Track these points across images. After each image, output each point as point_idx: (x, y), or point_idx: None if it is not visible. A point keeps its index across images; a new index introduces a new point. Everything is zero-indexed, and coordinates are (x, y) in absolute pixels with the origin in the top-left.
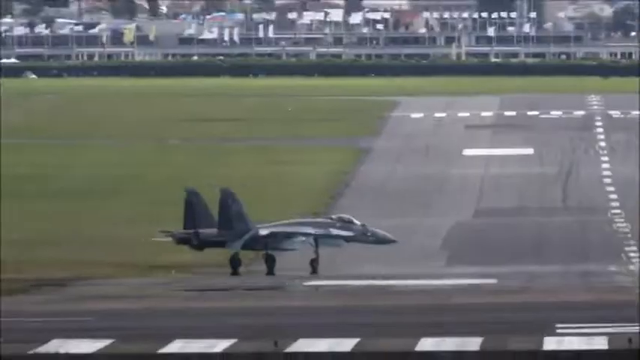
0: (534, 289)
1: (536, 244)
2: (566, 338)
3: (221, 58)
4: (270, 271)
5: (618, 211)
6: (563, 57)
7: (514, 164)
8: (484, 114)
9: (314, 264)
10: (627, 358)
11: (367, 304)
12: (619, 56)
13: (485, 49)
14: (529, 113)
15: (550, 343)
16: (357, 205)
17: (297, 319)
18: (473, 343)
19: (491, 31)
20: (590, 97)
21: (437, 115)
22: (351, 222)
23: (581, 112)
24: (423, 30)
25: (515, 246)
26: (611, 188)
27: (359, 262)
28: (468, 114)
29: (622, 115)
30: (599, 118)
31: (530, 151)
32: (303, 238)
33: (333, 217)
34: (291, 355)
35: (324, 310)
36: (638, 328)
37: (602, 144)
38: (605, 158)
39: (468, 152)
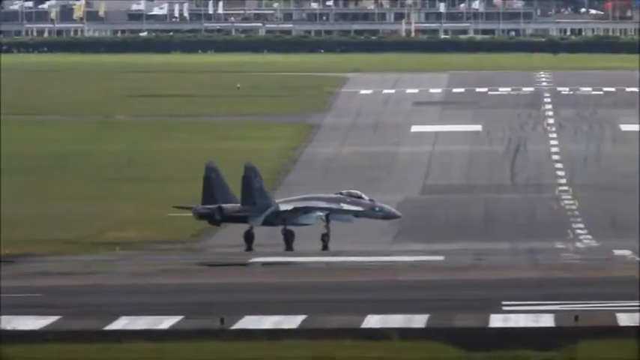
0: (481, 267)
1: (483, 221)
2: (513, 315)
3: (170, 34)
4: (289, 247)
5: (566, 188)
6: (513, 34)
7: (462, 141)
8: (433, 90)
9: (325, 239)
10: (574, 335)
11: (313, 281)
12: (569, 32)
13: (434, 25)
14: (478, 90)
15: (496, 321)
16: (305, 182)
17: (242, 296)
18: (419, 320)
19: (440, 8)
20: (539, 73)
21: (386, 91)
22: (360, 197)
23: (530, 89)
24: (372, 6)
25: (463, 223)
26: (559, 165)
27: (306, 239)
28: (416, 90)
29: (571, 92)
30: (548, 95)
31: (478, 127)
32: (320, 213)
33: (343, 192)
34: (237, 331)
35: (270, 286)
36: (583, 305)
37: (551, 121)
38: (554, 135)
39: (416, 129)
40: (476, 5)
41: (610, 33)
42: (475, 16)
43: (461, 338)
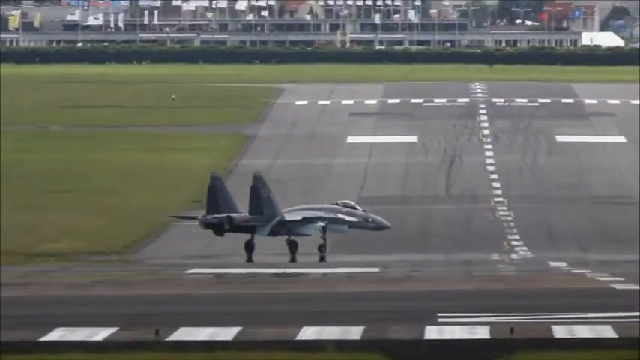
0: (416, 278)
1: (419, 232)
2: (448, 327)
3: (106, 44)
4: (293, 258)
5: (501, 199)
6: (448, 45)
7: (398, 152)
8: (368, 101)
9: (322, 249)
10: (509, 347)
11: (249, 292)
12: (504, 44)
13: (369, 36)
14: (413, 101)
15: (432, 332)
16: (240, 193)
17: (178, 307)
18: (354, 332)
19: (376, 19)
20: (474, 84)
21: (321, 102)
22: (355, 208)
23: (466, 100)
24: (307, 17)
25: (399, 234)
26: (494, 176)
27: (238, 249)
28: (352, 101)
29: (506, 103)
30: (483, 106)
31: (414, 138)
32: (322, 224)
33: (339, 202)
34: (171, 343)
35: (205, 298)
36: (519, 317)
37: (486, 132)
38: (489, 146)
39: (351, 140)
40: (411, 16)
41: (546, 44)
42: (410, 27)
43: (396, 350)
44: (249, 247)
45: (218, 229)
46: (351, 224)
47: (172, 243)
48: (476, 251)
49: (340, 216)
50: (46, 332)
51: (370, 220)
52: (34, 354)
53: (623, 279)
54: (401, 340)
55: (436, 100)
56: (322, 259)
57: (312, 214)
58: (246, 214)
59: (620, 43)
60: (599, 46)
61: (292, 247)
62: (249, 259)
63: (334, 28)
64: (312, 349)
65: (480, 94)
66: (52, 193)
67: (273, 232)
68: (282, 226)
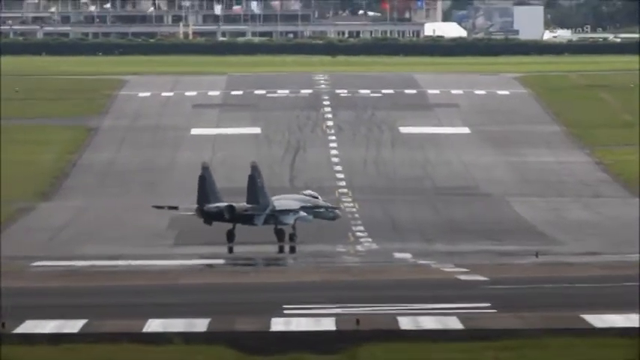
0: (262, 270)
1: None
2: (294, 319)
3: None
4: (282, 247)
5: (345, 190)
6: (291, 36)
7: (242, 143)
8: (211, 93)
9: (294, 239)
10: (355, 338)
11: (94, 285)
12: (347, 35)
13: (212, 27)
14: (256, 92)
15: (277, 324)
16: (84, 186)
17: (24, 300)
18: (200, 324)
19: (217, 10)
20: (317, 76)
21: (164, 94)
22: (317, 198)
23: (309, 91)
24: (150, 9)
25: (240, 226)
26: (339, 168)
27: (82, 242)
28: (195, 93)
29: (349, 94)
30: (327, 97)
31: (257, 130)
32: (304, 214)
33: (305, 192)
34: (17, 335)
35: (51, 291)
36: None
37: (330, 123)
38: (333, 137)
39: (195, 131)
40: (253, 8)
41: (389, 35)
42: (253, 18)
43: (242, 342)
44: (231, 236)
45: (218, 218)
46: (316, 214)
47: (17, 236)
48: (321, 243)
49: (313, 206)
50: None
51: (329, 209)
52: None
53: (467, 270)
54: (247, 332)
55: (279, 92)
56: (293, 249)
57: (302, 204)
58: (245, 204)
59: (463, 33)
60: (442, 36)
61: (280, 235)
62: (230, 250)
63: (177, 19)
64: (158, 342)
65: (323, 85)
66: None
67: (266, 221)
68: (271, 215)
